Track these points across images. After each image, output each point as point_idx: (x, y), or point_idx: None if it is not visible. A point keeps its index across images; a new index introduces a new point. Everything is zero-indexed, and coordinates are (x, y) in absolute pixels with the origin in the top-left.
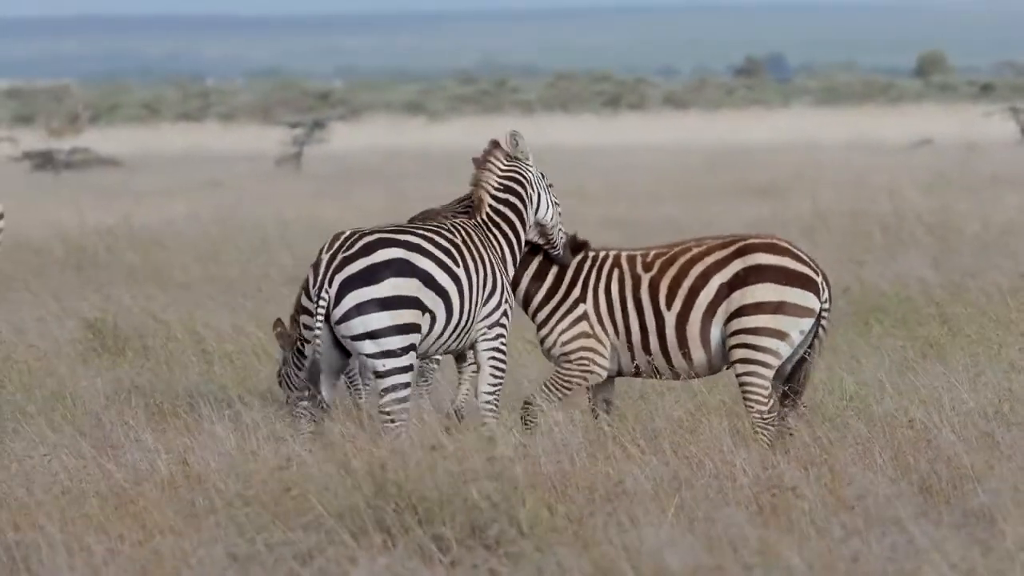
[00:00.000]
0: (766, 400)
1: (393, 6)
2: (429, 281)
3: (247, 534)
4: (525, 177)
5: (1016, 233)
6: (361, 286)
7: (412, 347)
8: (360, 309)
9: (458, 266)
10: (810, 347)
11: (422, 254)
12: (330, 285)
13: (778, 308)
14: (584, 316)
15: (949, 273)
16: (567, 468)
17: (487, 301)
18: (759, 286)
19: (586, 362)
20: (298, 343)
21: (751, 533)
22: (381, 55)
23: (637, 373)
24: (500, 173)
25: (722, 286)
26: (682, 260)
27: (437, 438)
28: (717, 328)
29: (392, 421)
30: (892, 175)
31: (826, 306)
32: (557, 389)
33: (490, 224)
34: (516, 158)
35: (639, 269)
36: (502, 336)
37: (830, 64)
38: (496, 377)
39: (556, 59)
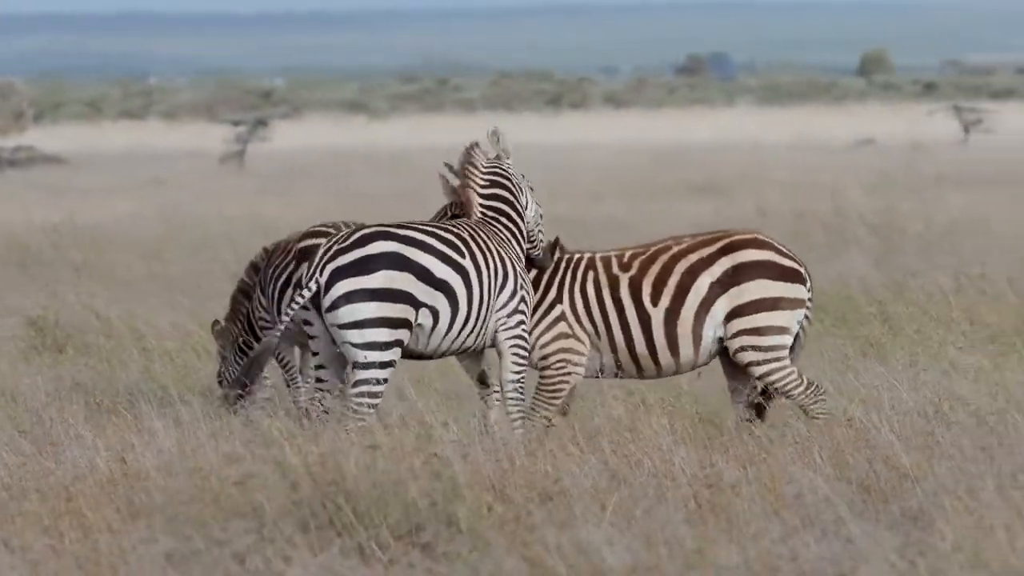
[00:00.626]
0: (799, 382)
1: (336, 5)
2: (425, 276)
3: (185, 532)
4: (509, 174)
5: (959, 233)
6: (352, 275)
7: (399, 343)
8: (349, 298)
9: (464, 258)
10: (796, 337)
11: (420, 248)
12: (321, 273)
13: (776, 304)
14: (561, 317)
15: (891, 272)
16: (506, 467)
17: (501, 291)
18: (752, 283)
19: (564, 364)
20: (239, 341)
21: (689, 532)
22: (324, 53)
23: (618, 374)
24: (483, 171)
25: (712, 284)
26: (664, 258)
27: (375, 437)
28: (710, 326)
29: (357, 416)
30: (835, 175)
31: (810, 295)
32: (547, 396)
33: (488, 221)
34: (498, 156)
35: (616, 269)
36: (523, 323)
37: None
38: (518, 366)
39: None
